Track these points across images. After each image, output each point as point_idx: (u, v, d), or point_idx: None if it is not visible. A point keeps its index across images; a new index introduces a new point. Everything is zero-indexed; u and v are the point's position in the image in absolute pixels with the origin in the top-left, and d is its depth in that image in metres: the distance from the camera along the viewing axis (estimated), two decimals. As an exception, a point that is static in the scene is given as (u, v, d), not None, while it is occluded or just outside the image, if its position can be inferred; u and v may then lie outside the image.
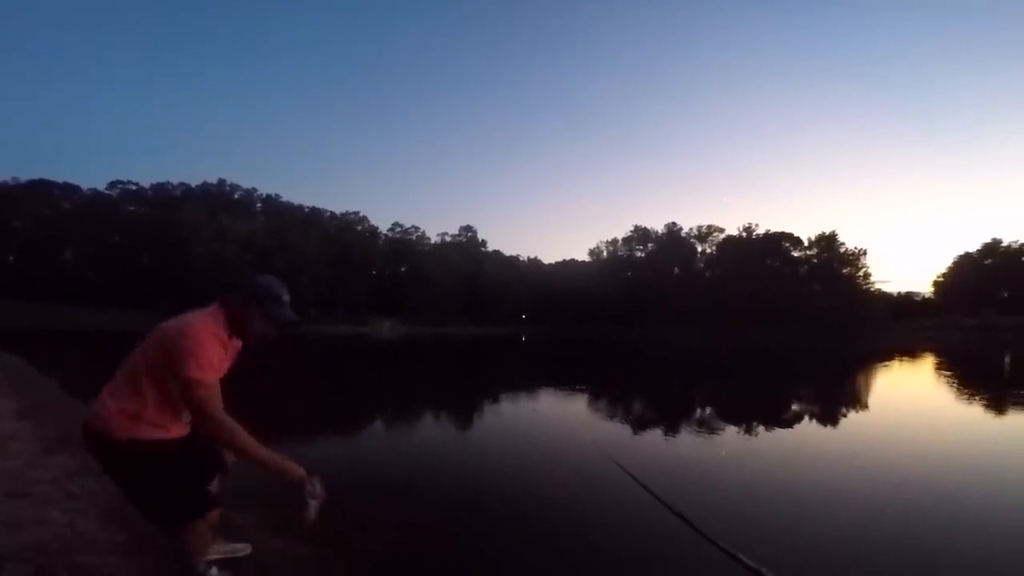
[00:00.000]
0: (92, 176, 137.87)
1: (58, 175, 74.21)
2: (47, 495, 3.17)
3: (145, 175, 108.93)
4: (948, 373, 17.08)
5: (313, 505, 1.94)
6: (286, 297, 2.17)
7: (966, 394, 11.77)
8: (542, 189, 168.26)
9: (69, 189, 71.08)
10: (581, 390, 11.72)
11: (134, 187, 75.14)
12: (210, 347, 1.92)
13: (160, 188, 76.07)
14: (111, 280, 63.12)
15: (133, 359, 1.96)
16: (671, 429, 7.38)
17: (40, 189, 68.34)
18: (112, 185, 74.16)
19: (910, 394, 12.51)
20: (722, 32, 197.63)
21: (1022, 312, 69.14)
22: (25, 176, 67.85)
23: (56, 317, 46.78)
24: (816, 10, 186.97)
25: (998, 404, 10.12)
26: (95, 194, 72.20)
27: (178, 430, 2.06)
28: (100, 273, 65.10)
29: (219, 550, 2.40)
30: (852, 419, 8.59)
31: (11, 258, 65.55)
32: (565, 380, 13.74)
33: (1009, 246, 79.71)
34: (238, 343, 2.20)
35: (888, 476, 5.03)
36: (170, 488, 1.96)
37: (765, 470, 5.31)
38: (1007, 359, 23.14)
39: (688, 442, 6.53)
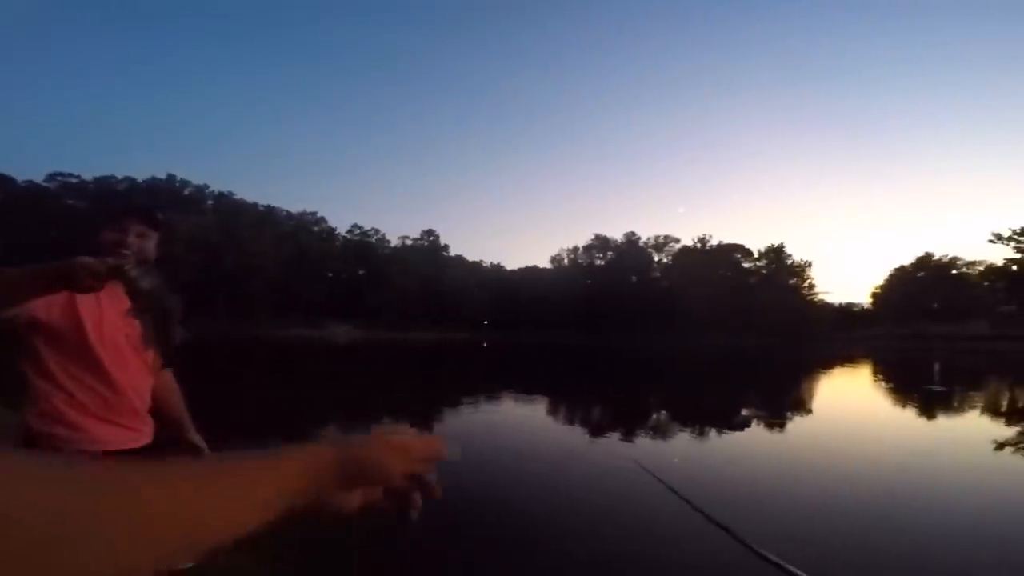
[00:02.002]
0: (31, 168, 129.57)
1: (-9, 166, 69.57)
2: None
3: (89, 169, 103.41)
4: (883, 380, 18.13)
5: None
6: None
7: (898, 397, 12.61)
8: (505, 195, 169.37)
9: (2, 180, 66.53)
10: (549, 396, 11.80)
11: (75, 180, 71.03)
12: None
13: (103, 182, 72.13)
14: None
15: None
16: (634, 433, 7.51)
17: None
18: (51, 178, 69.91)
19: (859, 401, 13.20)
20: (680, 47, 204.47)
21: (950, 322, 74.09)
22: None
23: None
24: (769, 30, 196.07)
25: (929, 405, 10.86)
26: (31, 186, 67.83)
27: (104, 434, 1.61)
28: (33, 270, 61.08)
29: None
30: (805, 422, 8.99)
31: (-68, 252, 60.59)
32: (532, 386, 13.81)
33: (940, 259, 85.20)
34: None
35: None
36: None
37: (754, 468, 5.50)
38: (936, 367, 24.72)
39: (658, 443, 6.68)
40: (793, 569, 2.90)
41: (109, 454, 1.63)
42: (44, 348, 1.57)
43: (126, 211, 1.74)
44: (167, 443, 2.00)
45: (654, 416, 10.09)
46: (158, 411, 1.92)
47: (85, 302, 1.58)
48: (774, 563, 2.97)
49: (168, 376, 2.04)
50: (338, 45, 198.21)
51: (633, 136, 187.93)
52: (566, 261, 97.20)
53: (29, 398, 1.58)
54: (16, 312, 1.47)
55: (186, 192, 76.60)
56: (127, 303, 1.57)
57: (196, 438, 2.12)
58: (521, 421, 8.58)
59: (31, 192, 66.77)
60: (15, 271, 1.33)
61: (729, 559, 3.13)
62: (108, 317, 1.64)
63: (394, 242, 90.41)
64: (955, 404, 11.82)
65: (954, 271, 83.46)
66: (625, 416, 9.84)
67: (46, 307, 1.52)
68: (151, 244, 1.76)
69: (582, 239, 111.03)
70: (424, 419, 8.50)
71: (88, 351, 1.59)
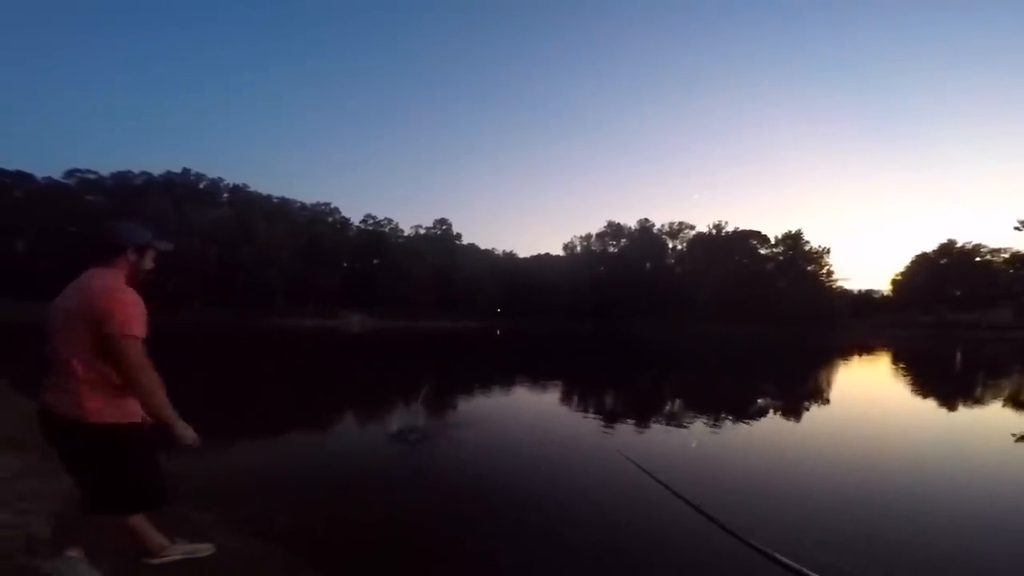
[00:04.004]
0: (49, 165, 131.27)
1: (10, 164, 70.05)
2: (-5, 497, 3.02)
3: (106, 164, 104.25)
4: (903, 370, 17.83)
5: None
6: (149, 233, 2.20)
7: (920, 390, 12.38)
8: (518, 183, 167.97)
9: (22, 178, 67.68)
10: (565, 384, 11.81)
11: (93, 176, 71.89)
12: (139, 303, 1.94)
13: (121, 177, 72.97)
14: (66, 272, 59.81)
15: (69, 336, 1.87)
16: (651, 421, 7.49)
17: (-10, 176, 64.90)
18: (69, 174, 70.80)
19: (877, 391, 13.03)
20: (695, 37, 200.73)
21: (973, 309, 72.52)
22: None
23: (7, 310, 44.59)
24: (785, 18, 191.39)
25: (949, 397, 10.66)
26: (51, 183, 68.93)
27: (139, 410, 2.01)
28: (55, 264, 62.24)
29: (181, 550, 2.34)
30: (820, 412, 8.89)
31: (-42, 248, 62.03)
32: (543, 375, 13.82)
33: (963, 247, 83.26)
34: None
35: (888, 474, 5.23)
36: (140, 475, 1.99)
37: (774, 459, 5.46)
38: (958, 356, 24.27)
39: (676, 433, 6.66)
40: (783, 559, 2.85)
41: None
42: None
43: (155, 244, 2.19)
44: None
45: (668, 405, 10.04)
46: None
47: None
48: (766, 554, 2.94)
49: None
50: (349, 40, 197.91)
51: (647, 124, 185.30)
52: (579, 248, 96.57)
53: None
54: None
55: (201, 185, 77.28)
56: None
57: None
58: (530, 411, 8.59)
59: (51, 189, 67.86)
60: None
61: (723, 551, 3.12)
62: None
63: (407, 231, 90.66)
64: (977, 395, 11.61)
65: (978, 258, 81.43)
66: (637, 405, 9.81)
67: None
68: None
69: (595, 227, 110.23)
70: (439, 407, 8.55)
71: None
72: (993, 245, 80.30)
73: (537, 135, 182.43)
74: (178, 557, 2.31)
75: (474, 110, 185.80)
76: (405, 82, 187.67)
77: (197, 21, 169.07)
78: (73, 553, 2.01)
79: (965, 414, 9.06)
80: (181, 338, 26.15)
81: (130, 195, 67.68)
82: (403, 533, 3.25)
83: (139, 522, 2.21)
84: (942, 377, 15.82)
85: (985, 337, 43.79)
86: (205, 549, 2.44)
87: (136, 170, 74.61)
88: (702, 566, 3.01)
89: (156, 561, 2.25)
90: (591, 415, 8.24)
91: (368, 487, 4.25)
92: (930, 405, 10.14)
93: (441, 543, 3.18)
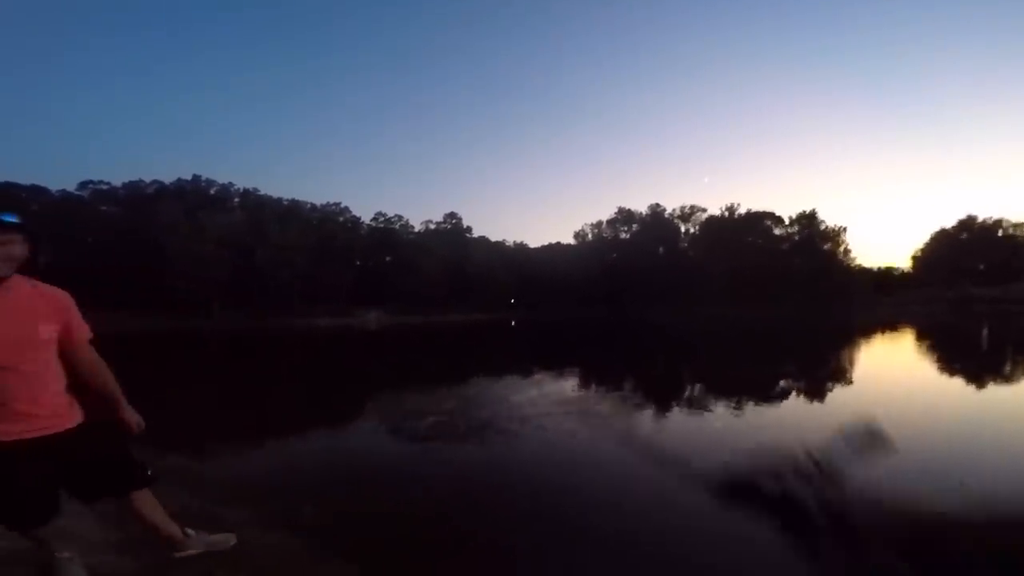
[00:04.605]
0: (62, 178, 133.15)
1: (25, 178, 71.44)
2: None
3: (115, 172, 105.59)
4: (928, 347, 17.52)
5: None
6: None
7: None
8: (525, 173, 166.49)
9: (37, 191, 68.89)
10: (576, 373, 11.78)
11: (106, 186, 73.07)
12: None
13: (133, 186, 74.08)
14: (85, 283, 61.49)
15: None
16: (670, 405, 7.43)
17: (6, 192, 66.13)
18: (83, 185, 72.02)
19: (901, 370, 12.80)
20: (702, 18, 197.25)
21: (996, 283, 71.07)
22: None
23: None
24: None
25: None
26: (65, 195, 70.16)
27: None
28: (73, 276, 63.44)
29: (205, 542, 2.36)
30: (845, 392, 8.76)
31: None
32: (561, 364, 13.81)
33: (984, 221, 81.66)
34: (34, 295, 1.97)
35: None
36: None
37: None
38: (984, 331, 23.76)
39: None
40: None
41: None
42: None
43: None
44: (105, 420, 2.07)
45: (689, 388, 9.96)
46: (92, 391, 2.04)
47: None
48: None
49: (90, 358, 2.08)
50: (346, 37, 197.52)
51: (653, 109, 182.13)
52: (590, 236, 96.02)
53: None
54: None
55: (212, 191, 78.18)
56: (19, 310, 1.82)
57: (130, 414, 2.13)
58: (546, 399, 8.56)
59: (65, 201, 69.05)
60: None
61: (740, 538, 3.05)
62: None
63: (417, 227, 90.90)
64: (1007, 371, 11.37)
65: (1000, 232, 79.74)
66: (655, 389, 9.74)
67: None
68: (16, 248, 1.83)
69: (606, 214, 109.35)
70: (456, 400, 8.55)
71: None
72: (1015, 220, 78.77)
73: (543, 124, 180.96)
74: (202, 549, 2.32)
75: (478, 101, 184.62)
76: (407, 77, 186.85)
77: (197, 22, 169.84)
78: (66, 554, 1.98)
79: (994, 391, 8.86)
80: (201, 344, 26.60)
81: (142, 204, 68.74)
82: (420, 525, 3.28)
83: (160, 516, 2.22)
84: (968, 353, 15.51)
85: (1011, 311, 42.84)
86: (228, 540, 2.45)
87: (147, 178, 75.86)
88: (717, 553, 2.95)
89: (181, 554, 2.27)
90: (608, 402, 8.19)
91: (385, 482, 4.28)
92: (957, 383, 9.93)
93: (456, 534, 3.20)
